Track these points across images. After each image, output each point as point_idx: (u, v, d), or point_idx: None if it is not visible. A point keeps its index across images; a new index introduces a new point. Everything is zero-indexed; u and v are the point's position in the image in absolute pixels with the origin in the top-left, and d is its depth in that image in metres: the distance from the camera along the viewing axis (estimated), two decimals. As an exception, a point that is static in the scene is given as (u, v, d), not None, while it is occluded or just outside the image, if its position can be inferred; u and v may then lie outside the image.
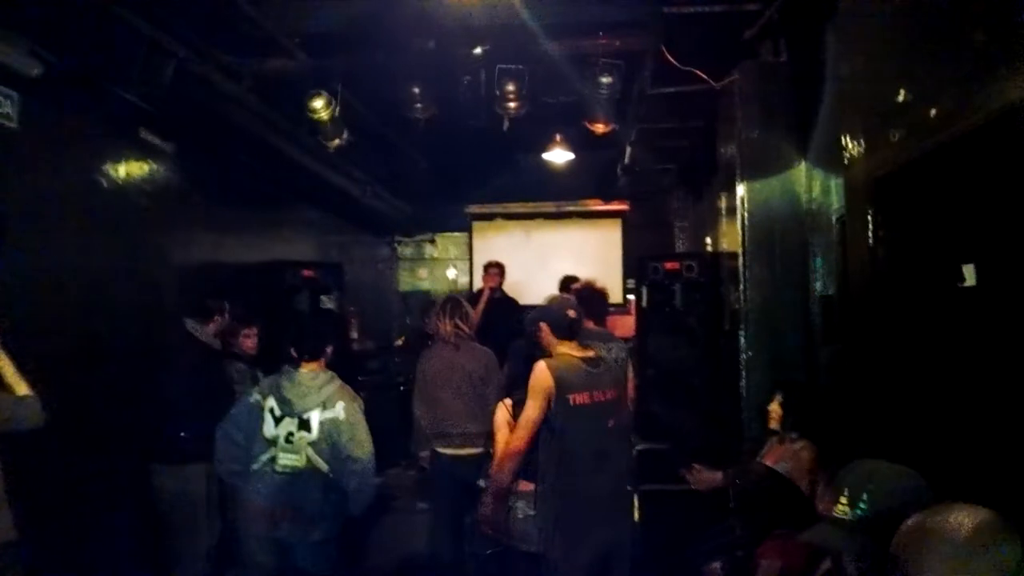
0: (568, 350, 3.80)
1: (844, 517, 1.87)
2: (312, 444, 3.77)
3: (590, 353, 3.86)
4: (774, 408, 4.19)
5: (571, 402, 3.63)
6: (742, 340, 5.12)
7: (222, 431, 3.92)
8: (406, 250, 11.83)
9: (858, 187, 3.47)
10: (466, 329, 5.20)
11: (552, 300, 4.08)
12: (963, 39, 2.55)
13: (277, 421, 3.80)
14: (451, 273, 11.70)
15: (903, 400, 3.08)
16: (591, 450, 3.69)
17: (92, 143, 4.94)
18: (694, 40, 5.08)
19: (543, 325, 3.84)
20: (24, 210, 4.21)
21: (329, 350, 4.03)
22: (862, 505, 1.84)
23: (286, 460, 3.77)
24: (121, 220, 5.13)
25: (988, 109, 2.37)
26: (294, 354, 4.01)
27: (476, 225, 11.33)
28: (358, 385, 7.21)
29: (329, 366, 4.03)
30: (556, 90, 6.74)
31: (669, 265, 6.36)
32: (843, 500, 1.88)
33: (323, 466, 3.77)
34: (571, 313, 3.85)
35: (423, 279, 11.78)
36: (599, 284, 5.50)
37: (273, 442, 3.79)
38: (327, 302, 6.74)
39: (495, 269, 8.08)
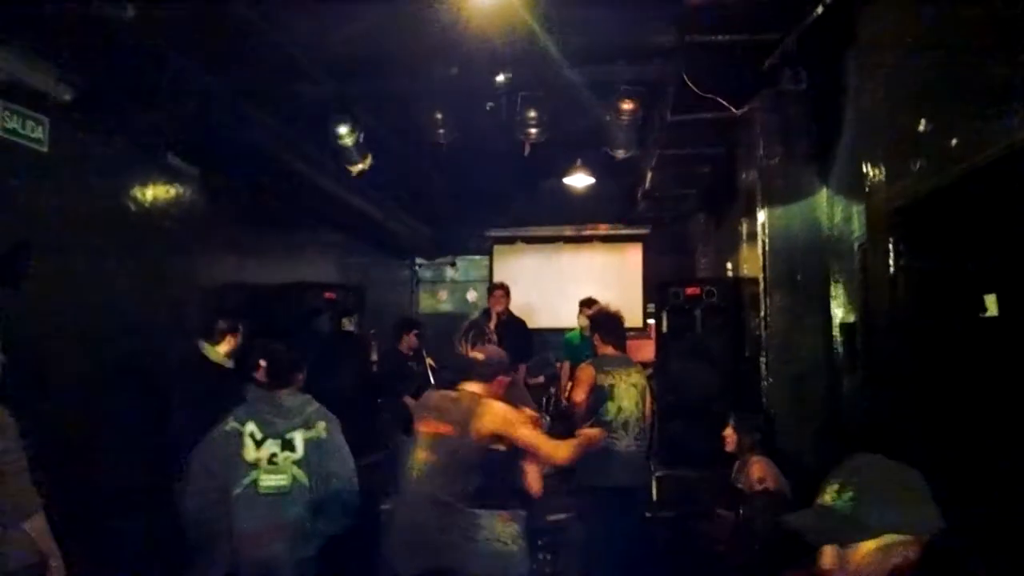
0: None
1: (826, 505, 1.79)
2: (297, 463, 3.87)
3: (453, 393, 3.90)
4: (728, 433, 4.60)
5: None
6: (763, 367, 5.10)
7: (199, 461, 3.91)
8: (427, 273, 11.88)
9: (879, 215, 3.46)
10: None
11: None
12: (983, 71, 2.55)
13: (259, 444, 3.87)
14: (471, 296, 11.73)
15: (924, 428, 3.06)
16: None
17: (120, 167, 5.03)
18: (715, 68, 5.09)
19: None
20: (53, 232, 4.29)
21: (301, 377, 4.14)
22: (846, 495, 1.76)
23: (270, 481, 3.85)
24: (146, 243, 5.20)
25: (1009, 140, 2.37)
26: (261, 378, 4.23)
27: (497, 248, 11.39)
28: (378, 407, 7.28)
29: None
30: (577, 116, 6.78)
31: (690, 290, 6.33)
32: (830, 489, 1.81)
33: (307, 483, 3.88)
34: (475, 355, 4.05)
35: (443, 301, 11.82)
36: (614, 309, 5.47)
37: (255, 465, 3.85)
38: (348, 324, 6.76)
39: (500, 291, 8.07)
